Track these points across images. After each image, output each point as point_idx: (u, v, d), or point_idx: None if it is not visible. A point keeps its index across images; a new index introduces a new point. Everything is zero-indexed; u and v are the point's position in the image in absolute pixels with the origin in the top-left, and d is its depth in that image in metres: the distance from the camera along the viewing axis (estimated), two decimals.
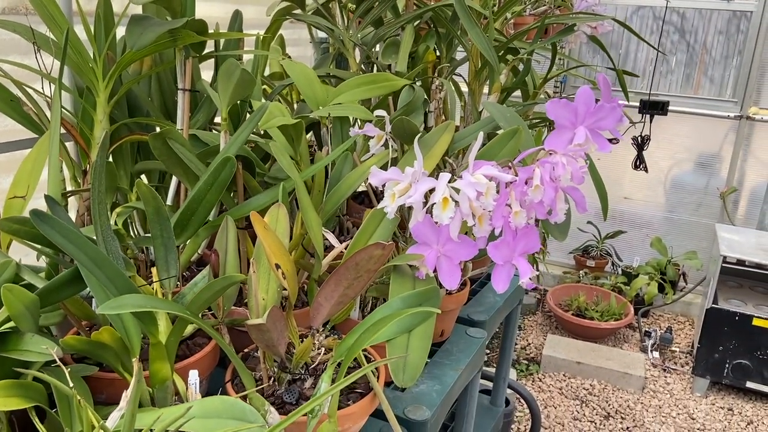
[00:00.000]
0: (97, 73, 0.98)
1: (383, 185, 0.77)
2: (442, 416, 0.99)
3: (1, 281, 0.66)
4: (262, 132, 1.08)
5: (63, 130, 0.96)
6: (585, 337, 2.91)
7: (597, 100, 0.74)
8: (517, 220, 0.73)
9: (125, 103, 1.11)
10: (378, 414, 0.90)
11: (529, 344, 2.92)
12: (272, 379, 0.76)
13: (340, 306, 0.71)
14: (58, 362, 0.53)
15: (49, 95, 1.00)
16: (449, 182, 0.71)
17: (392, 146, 0.98)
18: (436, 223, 0.75)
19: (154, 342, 0.61)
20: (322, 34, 1.63)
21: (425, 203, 0.77)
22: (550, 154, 0.74)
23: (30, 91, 1.01)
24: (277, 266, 0.72)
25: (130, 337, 0.63)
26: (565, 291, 3.12)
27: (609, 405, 2.53)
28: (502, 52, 1.31)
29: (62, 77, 0.83)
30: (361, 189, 1.47)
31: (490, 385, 1.63)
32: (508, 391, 1.69)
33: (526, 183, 0.73)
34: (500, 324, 1.42)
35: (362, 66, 1.34)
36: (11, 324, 0.59)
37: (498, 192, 0.73)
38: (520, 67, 1.39)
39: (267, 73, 1.45)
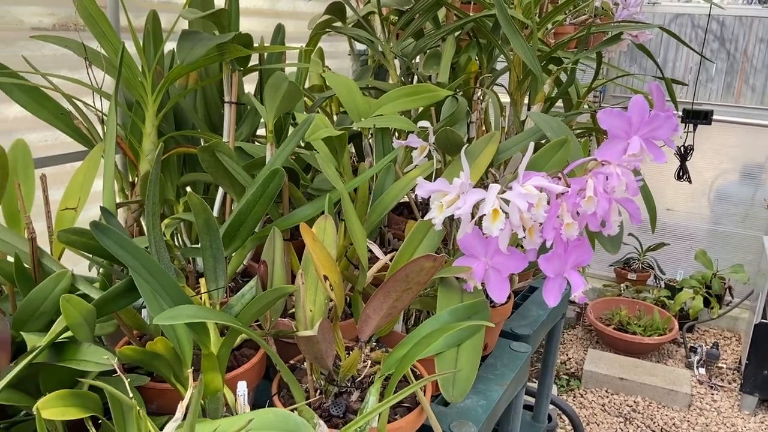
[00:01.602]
0: (147, 87, 1.00)
1: (428, 196, 0.77)
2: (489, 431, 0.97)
3: (57, 291, 0.67)
4: (303, 144, 1.09)
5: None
6: (627, 352, 2.83)
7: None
8: (568, 232, 0.72)
9: (172, 117, 1.13)
10: (423, 429, 0.88)
11: (570, 359, 2.86)
12: (318, 391, 0.76)
13: (389, 318, 0.70)
14: (119, 372, 0.54)
15: (98, 109, 1.03)
16: (499, 194, 0.70)
17: (436, 157, 0.97)
18: (485, 235, 0.74)
19: (206, 353, 0.61)
20: (360, 47, 1.64)
21: (473, 215, 0.76)
22: (603, 164, 0.73)
23: (79, 104, 1.04)
24: (325, 278, 0.72)
25: (183, 347, 0.63)
26: (605, 304, 3.05)
27: (654, 423, 2.46)
28: (545, 62, 1.30)
29: (117, 94, 0.84)
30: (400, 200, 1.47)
31: (531, 400, 1.60)
32: (550, 407, 1.65)
33: (577, 194, 0.72)
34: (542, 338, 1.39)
35: (402, 78, 1.34)
36: (68, 333, 0.60)
37: (548, 203, 0.72)
38: (561, 77, 1.37)
39: (306, 85, 1.46)
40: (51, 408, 0.53)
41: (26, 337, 0.61)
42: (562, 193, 0.71)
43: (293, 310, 0.92)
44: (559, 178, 0.75)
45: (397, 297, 0.67)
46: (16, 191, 0.88)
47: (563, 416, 1.85)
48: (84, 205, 0.92)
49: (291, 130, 1.06)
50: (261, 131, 1.22)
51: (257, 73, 1.15)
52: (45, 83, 1.02)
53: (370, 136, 1.13)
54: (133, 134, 1.04)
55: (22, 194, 0.87)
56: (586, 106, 1.44)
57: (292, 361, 0.83)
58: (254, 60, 1.18)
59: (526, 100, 1.32)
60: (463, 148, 0.82)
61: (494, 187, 0.70)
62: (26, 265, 0.71)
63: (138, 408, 0.47)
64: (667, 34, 1.32)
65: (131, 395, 0.49)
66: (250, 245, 0.89)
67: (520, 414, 1.21)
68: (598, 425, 2.43)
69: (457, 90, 1.14)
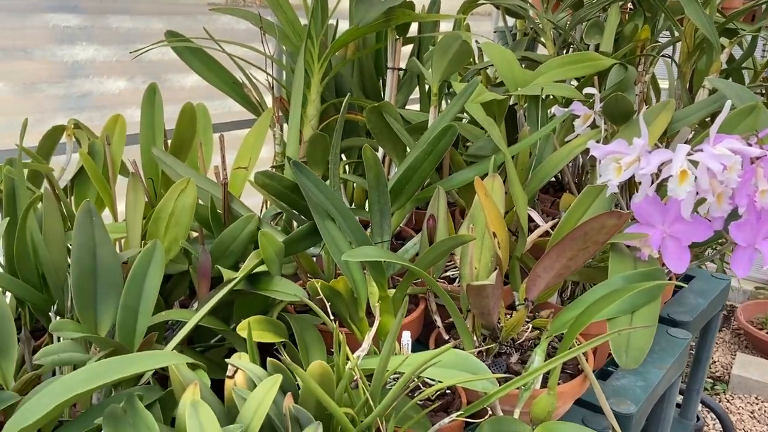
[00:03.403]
0: (314, 55, 1.04)
1: (602, 158, 0.74)
2: (645, 414, 0.92)
3: (246, 233, 0.73)
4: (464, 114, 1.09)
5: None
6: None
7: None
8: (763, 200, 0.66)
9: (333, 85, 1.17)
10: (580, 402, 0.86)
11: (715, 362, 2.66)
12: (479, 351, 0.76)
13: (559, 279, 0.69)
14: (309, 303, 0.57)
15: (269, 73, 1.09)
16: (687, 155, 0.66)
17: (602, 126, 0.93)
18: (663, 201, 0.70)
19: (383, 295, 0.64)
20: (501, 24, 1.61)
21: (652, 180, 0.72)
22: None
23: (249, 76, 1.11)
24: (494, 235, 0.72)
25: (359, 290, 0.66)
26: (758, 308, 2.79)
27: None
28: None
29: (301, 56, 0.89)
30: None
31: (678, 399, 1.50)
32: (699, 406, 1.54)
33: None
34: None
35: (558, 51, 1.30)
36: (260, 268, 0.65)
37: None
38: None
39: None
40: (252, 331, 0.57)
41: (222, 271, 0.67)
42: (759, 158, 0.66)
43: (444, 274, 0.93)
44: (752, 144, 0.69)
45: (572, 256, 0.65)
46: (197, 149, 0.96)
47: (711, 417, 1.72)
48: (254, 166, 0.98)
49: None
50: (410, 105, 1.24)
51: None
52: (214, 55, 1.09)
53: (524, 104, 1.11)
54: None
55: (203, 153, 0.95)
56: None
57: (446, 321, 0.84)
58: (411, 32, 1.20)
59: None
60: (636, 115, 0.78)
61: (683, 147, 0.66)
62: (218, 210, 0.78)
63: (339, 331, 0.49)
64: None
65: (331, 318, 0.52)
66: (409, 206, 0.91)
67: (673, 405, 1.14)
68: None
69: (622, 59, 1.09)
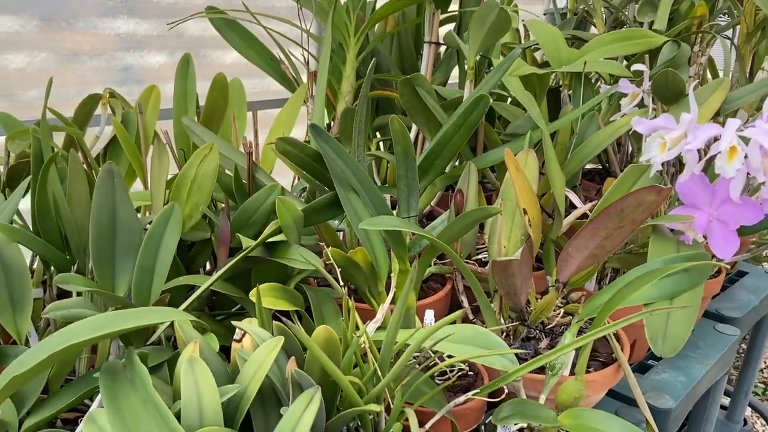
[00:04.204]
0: (350, 29, 1.02)
1: (648, 134, 0.69)
2: (685, 411, 0.87)
3: (268, 203, 0.71)
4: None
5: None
6: None
7: None
8: None
9: (369, 61, 1.15)
10: (615, 395, 0.82)
11: (767, 366, 2.53)
12: (505, 334, 0.73)
13: (592, 260, 0.65)
14: (321, 270, 0.55)
15: (305, 48, 1.08)
16: (738, 130, 0.61)
17: (651, 106, 0.88)
18: (712, 182, 0.65)
19: (402, 268, 0.61)
20: (551, 7, 1.55)
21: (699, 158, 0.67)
22: None
23: (283, 54, 1.09)
24: (524, 212, 0.68)
25: (379, 262, 0.64)
26: None
27: None
28: None
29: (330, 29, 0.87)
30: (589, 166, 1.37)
31: (725, 401, 1.43)
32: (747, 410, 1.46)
33: None
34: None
35: (608, 31, 1.24)
36: (278, 237, 0.63)
37: None
38: None
39: None
40: (264, 297, 0.56)
41: (242, 239, 0.65)
42: None
43: (476, 257, 0.90)
44: None
45: (607, 235, 0.61)
46: (230, 122, 0.95)
47: (760, 422, 1.63)
48: None
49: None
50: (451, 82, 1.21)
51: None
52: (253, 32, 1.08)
53: (568, 82, 1.06)
54: (334, 75, 1.08)
55: (236, 127, 0.94)
56: None
57: (474, 304, 0.81)
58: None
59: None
60: (689, 89, 0.73)
61: (733, 122, 0.61)
62: (243, 180, 0.77)
63: (348, 299, 0.47)
64: None
65: (344, 288, 0.50)
66: (440, 184, 0.88)
67: (717, 405, 1.08)
68: None
69: (677, 38, 1.02)
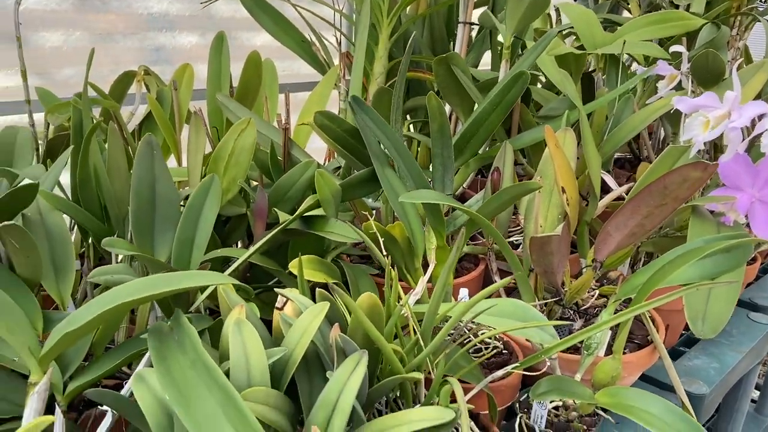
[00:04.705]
0: (383, 9, 1.01)
1: (690, 113, 0.68)
2: (718, 399, 0.86)
3: (304, 179, 0.71)
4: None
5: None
6: None
7: None
8: None
9: (402, 43, 1.15)
10: (646, 378, 0.81)
11: None
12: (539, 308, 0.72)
13: (632, 240, 0.64)
14: (365, 238, 0.55)
15: (337, 28, 1.08)
16: None
17: (689, 88, 0.86)
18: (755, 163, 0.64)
19: (440, 244, 0.61)
20: None
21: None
22: None
23: (314, 36, 1.09)
24: (563, 190, 0.67)
25: (416, 239, 0.63)
26: None
27: None
28: None
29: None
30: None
31: (754, 393, 1.40)
32: None
33: None
34: None
35: (642, 14, 1.22)
36: (316, 212, 0.63)
37: None
38: None
39: None
40: (304, 269, 0.56)
41: (279, 213, 0.66)
42: None
43: (508, 240, 0.89)
44: None
45: (648, 213, 0.60)
46: (263, 102, 0.95)
47: None
48: None
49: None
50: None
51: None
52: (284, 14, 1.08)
53: (602, 66, 1.05)
54: (366, 57, 1.07)
55: (268, 107, 0.94)
56: None
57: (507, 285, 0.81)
58: None
59: None
60: (731, 70, 0.71)
61: None
62: (278, 157, 0.77)
63: (391, 268, 0.47)
64: None
65: (387, 259, 0.50)
66: (473, 165, 0.87)
67: (749, 396, 1.06)
68: None
69: (715, 20, 1.00)
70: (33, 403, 0.41)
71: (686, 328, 0.93)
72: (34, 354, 0.40)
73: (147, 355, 0.48)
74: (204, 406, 0.36)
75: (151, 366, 0.47)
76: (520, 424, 0.60)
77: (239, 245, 0.81)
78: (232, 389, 0.36)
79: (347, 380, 0.38)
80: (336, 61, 1.09)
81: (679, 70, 0.89)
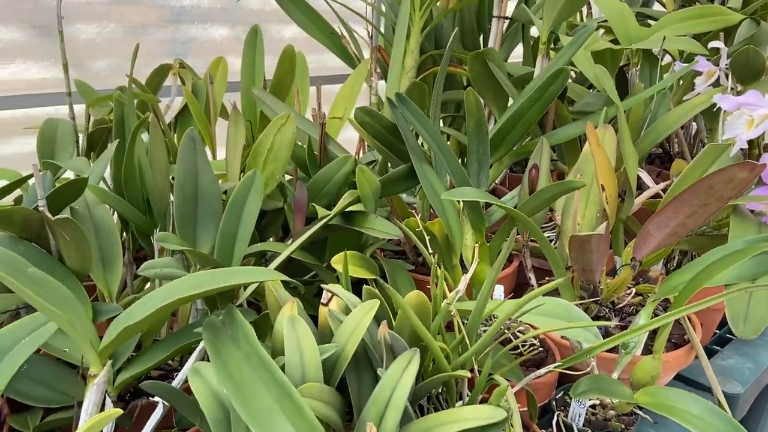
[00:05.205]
0: (415, 3, 1.01)
1: (734, 110, 0.67)
2: (751, 399, 0.85)
3: (341, 175, 0.72)
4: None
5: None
6: None
7: None
8: None
9: (433, 37, 1.14)
10: (681, 378, 0.81)
11: None
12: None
13: (673, 239, 0.64)
14: (408, 233, 0.56)
15: (369, 21, 1.08)
16: None
17: (729, 84, 0.85)
18: None
19: (480, 241, 0.61)
20: None
21: None
22: None
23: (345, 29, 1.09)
24: (602, 188, 0.67)
25: (454, 235, 0.64)
26: None
27: None
28: None
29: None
30: None
31: None
32: None
33: None
34: None
35: (678, 8, 1.21)
36: (355, 207, 0.64)
37: None
38: None
39: None
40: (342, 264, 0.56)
41: (317, 208, 0.66)
42: None
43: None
44: None
45: (691, 213, 0.60)
46: (294, 96, 0.96)
47: None
48: (349, 114, 0.97)
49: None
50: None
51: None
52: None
53: (636, 62, 1.03)
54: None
55: (299, 99, 0.95)
56: None
57: (540, 282, 0.80)
58: None
59: None
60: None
61: None
62: (315, 152, 0.77)
63: (442, 264, 0.48)
64: None
65: (431, 250, 0.50)
66: (507, 161, 0.87)
67: None
68: None
69: (754, 15, 0.99)
70: (92, 395, 0.42)
71: (719, 326, 0.92)
72: (95, 347, 0.41)
73: (198, 348, 0.49)
74: (261, 400, 0.37)
75: (203, 360, 0.48)
76: (557, 422, 0.60)
77: (273, 239, 0.82)
78: (289, 385, 0.37)
79: (400, 377, 0.39)
80: (366, 55, 1.08)
81: (717, 66, 0.87)
